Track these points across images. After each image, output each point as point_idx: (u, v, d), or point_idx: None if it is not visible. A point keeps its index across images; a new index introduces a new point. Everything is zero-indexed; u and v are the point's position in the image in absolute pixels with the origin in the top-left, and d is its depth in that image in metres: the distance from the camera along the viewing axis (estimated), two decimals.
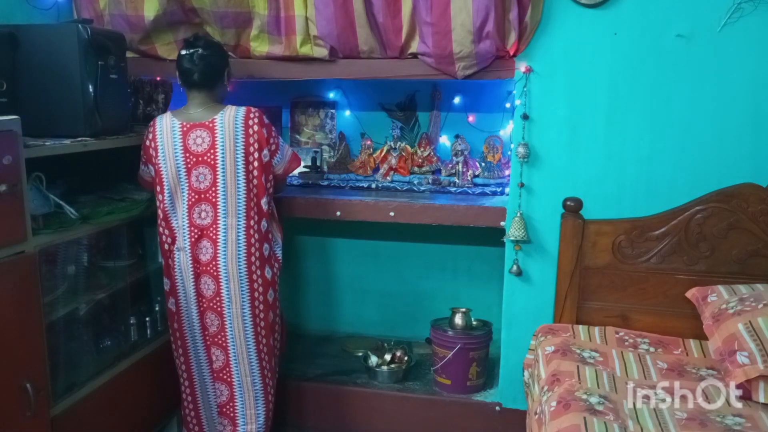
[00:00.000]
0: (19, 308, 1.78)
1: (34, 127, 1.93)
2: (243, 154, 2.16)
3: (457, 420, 2.58)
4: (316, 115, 3.04)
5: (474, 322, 2.69)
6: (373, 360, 2.76)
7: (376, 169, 2.87)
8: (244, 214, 2.19)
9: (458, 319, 2.66)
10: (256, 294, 2.24)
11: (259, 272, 2.23)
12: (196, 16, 2.53)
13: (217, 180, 2.16)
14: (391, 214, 2.48)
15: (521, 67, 2.32)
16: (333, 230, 3.07)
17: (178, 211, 2.22)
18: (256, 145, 2.18)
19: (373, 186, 2.77)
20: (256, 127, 2.18)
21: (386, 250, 3.09)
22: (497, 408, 2.54)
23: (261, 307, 2.26)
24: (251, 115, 2.18)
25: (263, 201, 2.23)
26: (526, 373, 2.22)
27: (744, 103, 2.18)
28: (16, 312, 1.77)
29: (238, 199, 2.17)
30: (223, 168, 2.15)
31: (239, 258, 2.19)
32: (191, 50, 2.18)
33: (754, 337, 1.78)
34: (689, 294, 2.14)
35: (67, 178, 2.18)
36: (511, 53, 2.32)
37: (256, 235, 2.21)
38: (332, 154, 2.97)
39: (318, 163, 2.94)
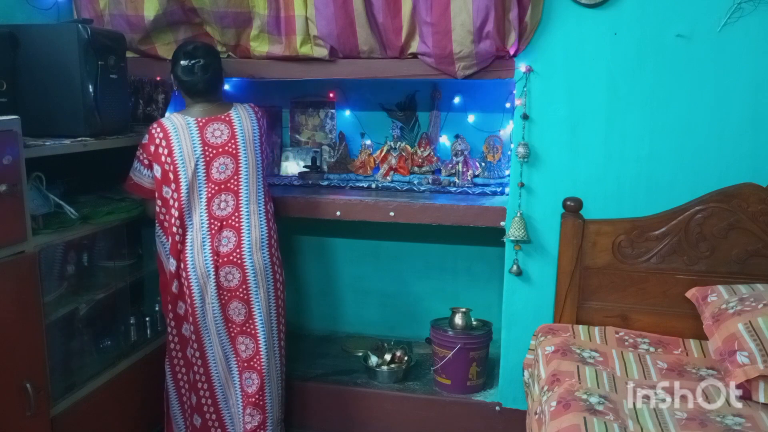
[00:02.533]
0: (19, 308, 1.79)
1: (34, 127, 1.94)
2: (258, 144, 2.30)
3: (457, 420, 2.58)
4: (316, 115, 3.04)
5: (474, 322, 2.69)
6: (373, 360, 2.76)
7: (376, 169, 2.87)
8: (263, 199, 2.30)
9: (458, 319, 2.66)
10: (277, 276, 2.35)
11: (277, 254, 2.36)
12: (196, 16, 2.53)
13: (240, 168, 2.24)
14: (391, 214, 2.48)
15: (521, 67, 2.32)
16: (333, 230, 3.07)
17: (195, 207, 2.21)
18: (263, 137, 2.34)
19: (373, 186, 2.77)
20: (262, 121, 2.35)
21: (386, 250, 3.09)
22: (497, 408, 2.55)
23: (281, 288, 2.39)
24: (257, 110, 2.35)
25: (267, 186, 2.37)
26: (526, 373, 2.22)
27: (744, 103, 2.18)
28: (16, 312, 1.77)
29: (258, 185, 2.28)
30: (245, 156, 2.24)
31: (263, 242, 2.27)
32: (192, 61, 2.21)
33: (754, 337, 1.78)
34: (689, 294, 2.14)
35: (67, 178, 2.18)
36: (511, 53, 2.32)
37: (272, 218, 2.35)
38: (332, 154, 2.97)
39: (318, 163, 2.94)
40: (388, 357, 2.76)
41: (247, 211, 2.24)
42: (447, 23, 2.26)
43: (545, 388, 1.85)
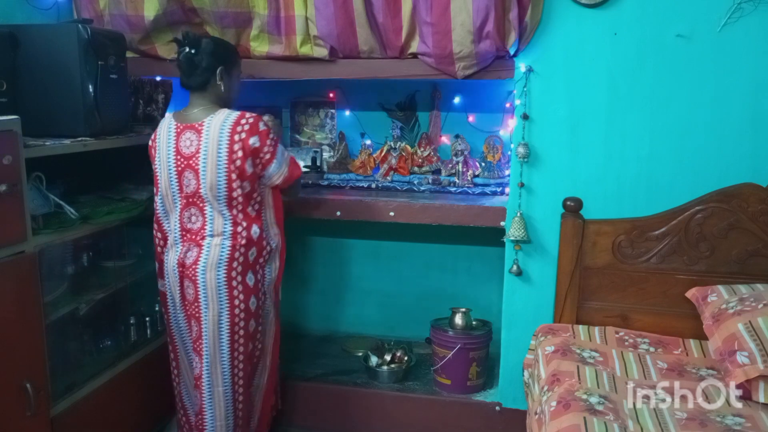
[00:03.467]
0: (19, 308, 1.79)
1: (34, 127, 1.94)
2: (226, 162, 2.02)
3: (457, 420, 2.58)
4: (316, 115, 3.04)
5: (474, 322, 2.69)
6: (373, 360, 2.76)
7: (376, 169, 2.87)
8: (232, 220, 2.08)
9: (458, 319, 2.66)
10: (237, 302, 2.10)
11: (240, 278, 2.10)
12: (196, 16, 2.53)
13: (200, 186, 2.05)
14: (391, 214, 2.48)
15: (521, 67, 2.32)
16: (333, 230, 3.07)
17: (171, 215, 2.16)
18: (239, 153, 2.02)
19: (373, 186, 2.77)
20: (244, 135, 2.02)
21: (386, 250, 3.09)
22: (497, 408, 2.55)
23: (242, 315, 2.12)
24: (242, 122, 2.03)
25: (249, 209, 2.11)
26: (526, 373, 2.22)
27: (744, 104, 2.18)
28: (16, 312, 1.77)
29: (219, 205, 2.07)
30: (204, 173, 2.03)
31: (220, 262, 2.07)
32: (179, 50, 2.09)
33: (754, 337, 1.78)
34: (689, 294, 2.14)
35: (67, 178, 2.18)
36: (511, 53, 2.32)
37: (243, 241, 2.10)
38: (332, 154, 2.97)
39: (318, 163, 2.94)
40: (388, 357, 2.76)
41: (210, 230, 2.08)
42: (447, 23, 2.26)
43: (545, 388, 1.85)
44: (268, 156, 2.08)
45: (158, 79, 2.67)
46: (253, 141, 2.03)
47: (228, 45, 2.22)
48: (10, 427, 1.75)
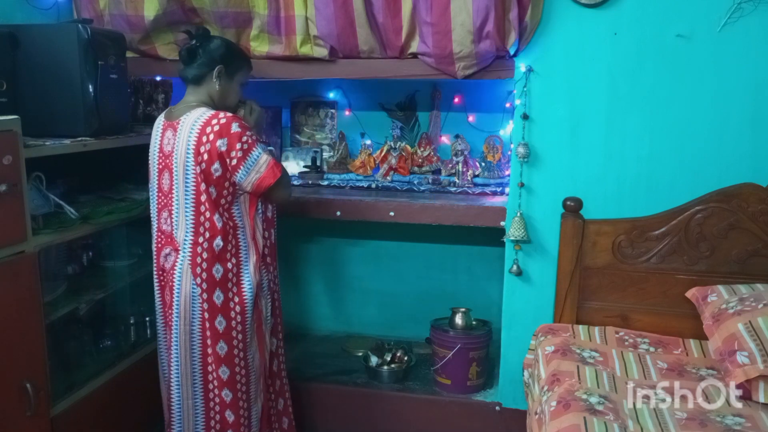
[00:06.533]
0: (19, 308, 1.79)
1: (34, 127, 1.94)
2: (193, 164, 1.93)
3: (457, 420, 2.58)
4: (316, 115, 3.04)
5: (474, 322, 2.69)
6: (374, 360, 2.76)
7: (376, 169, 2.87)
8: (192, 229, 1.98)
9: (458, 319, 2.66)
10: (206, 315, 2.01)
11: (206, 295, 1.99)
12: (196, 16, 2.53)
13: (173, 187, 1.99)
14: (391, 214, 2.48)
15: (521, 67, 2.32)
16: (333, 230, 3.07)
17: (152, 214, 2.10)
18: (205, 156, 1.91)
19: (373, 186, 2.77)
20: (212, 137, 1.91)
21: (386, 250, 3.09)
22: (497, 408, 2.55)
23: (209, 333, 2.02)
24: (213, 122, 1.92)
25: (215, 217, 1.97)
26: (526, 373, 2.22)
27: (744, 103, 2.18)
28: (16, 312, 1.77)
29: (186, 210, 1.97)
30: (176, 174, 1.97)
31: (189, 269, 2.00)
32: (188, 41, 2.06)
33: (754, 337, 1.78)
34: (689, 294, 2.14)
35: (67, 178, 2.18)
36: (511, 53, 2.32)
37: (205, 254, 1.97)
38: (332, 154, 2.97)
39: (318, 163, 2.94)
40: (388, 357, 2.76)
41: (185, 234, 1.99)
42: (447, 23, 2.26)
43: (545, 388, 1.85)
44: (234, 162, 1.94)
45: (158, 79, 2.67)
46: (221, 143, 1.91)
47: (239, 51, 2.18)
48: (10, 427, 1.76)
